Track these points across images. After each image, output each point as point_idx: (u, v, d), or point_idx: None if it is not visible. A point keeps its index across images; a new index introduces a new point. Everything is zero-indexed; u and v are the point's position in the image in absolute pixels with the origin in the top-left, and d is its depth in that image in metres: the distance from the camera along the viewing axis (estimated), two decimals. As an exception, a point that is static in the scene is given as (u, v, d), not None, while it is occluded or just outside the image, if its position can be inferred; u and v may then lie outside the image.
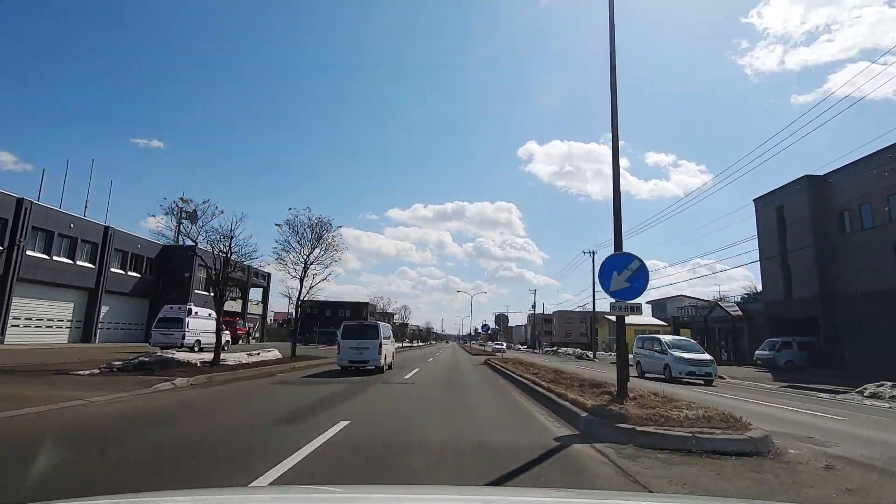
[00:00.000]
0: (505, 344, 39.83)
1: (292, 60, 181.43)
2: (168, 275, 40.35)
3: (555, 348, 59.56)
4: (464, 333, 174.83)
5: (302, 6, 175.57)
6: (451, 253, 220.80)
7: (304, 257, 21.15)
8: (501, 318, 25.59)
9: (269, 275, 56.16)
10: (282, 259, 20.97)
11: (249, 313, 52.73)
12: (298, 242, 20.94)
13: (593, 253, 41.06)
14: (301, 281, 21.33)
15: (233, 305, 48.47)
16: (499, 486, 3.66)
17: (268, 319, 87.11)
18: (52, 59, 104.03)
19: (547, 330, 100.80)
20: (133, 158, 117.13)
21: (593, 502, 2.05)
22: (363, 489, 2.54)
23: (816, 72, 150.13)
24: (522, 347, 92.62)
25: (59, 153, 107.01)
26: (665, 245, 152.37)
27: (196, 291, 42.87)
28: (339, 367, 15.50)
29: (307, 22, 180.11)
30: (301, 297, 21.80)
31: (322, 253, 21.59)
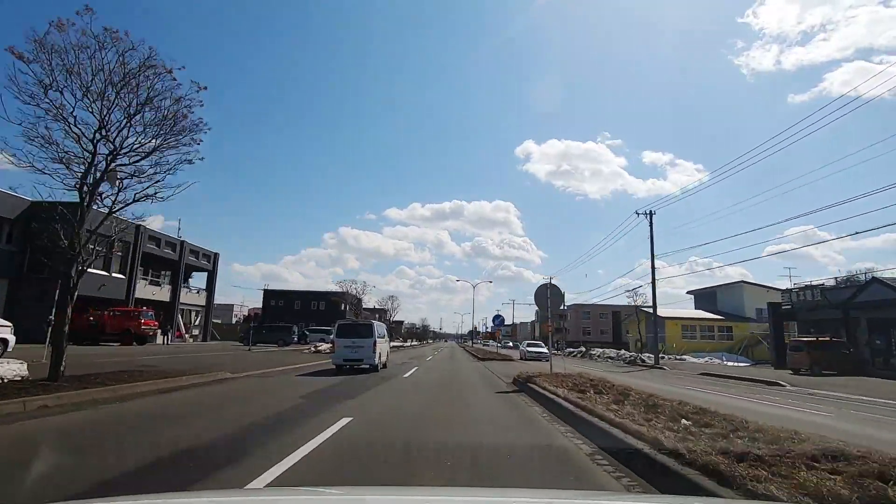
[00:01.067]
0: (545, 347, 25.99)
1: (290, 61, 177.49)
2: (39, 244, 28.04)
3: (582, 350, 47.15)
4: (463, 332, 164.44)
5: (301, 6, 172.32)
6: (449, 252, 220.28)
7: (94, 134, 8.91)
8: (546, 294, 12.79)
9: (215, 255, 43.83)
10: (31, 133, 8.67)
11: (186, 304, 40.39)
12: (62, 92, 8.56)
13: (650, 213, 28.95)
14: (83, 196, 9.02)
15: (155, 293, 36.13)
16: (499, 488, 3.36)
17: (235, 313, 75.03)
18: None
19: (560, 327, 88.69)
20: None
21: (593, 502, 2.05)
22: (362, 490, 2.41)
23: (812, 71, 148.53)
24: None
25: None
26: (661, 241, 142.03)
27: (91, 271, 30.63)
28: (335, 366, 15.26)
29: (304, 21, 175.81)
30: (84, 231, 9.28)
31: (144, 130, 9.37)
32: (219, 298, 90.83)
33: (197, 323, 42.03)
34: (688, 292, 56.74)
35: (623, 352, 33.28)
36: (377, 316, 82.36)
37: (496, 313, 28.27)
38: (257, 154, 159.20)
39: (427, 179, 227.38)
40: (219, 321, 60.49)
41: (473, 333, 77.74)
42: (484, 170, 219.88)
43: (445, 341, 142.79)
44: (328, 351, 28.34)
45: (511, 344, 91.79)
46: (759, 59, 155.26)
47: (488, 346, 73.56)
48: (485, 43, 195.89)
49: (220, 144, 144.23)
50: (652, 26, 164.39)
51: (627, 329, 64.90)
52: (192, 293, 41.94)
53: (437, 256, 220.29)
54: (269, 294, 55.41)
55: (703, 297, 52.60)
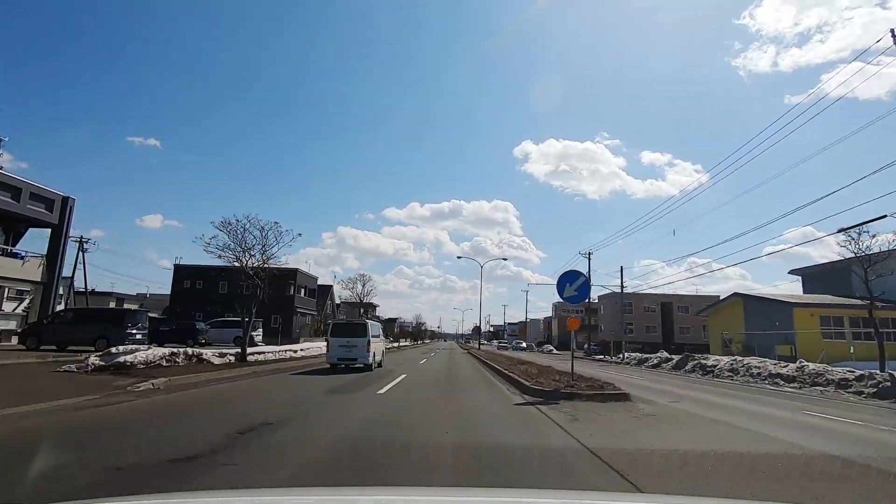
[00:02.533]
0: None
1: (290, 62, 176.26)
2: None
3: (661, 356, 29.57)
4: (464, 332, 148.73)
5: (303, 9, 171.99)
6: (448, 252, 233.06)
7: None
8: None
9: (64, 200, 26.88)
10: None
11: (-11, 277, 23.30)
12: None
13: None
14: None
15: None
16: (499, 487, 3.28)
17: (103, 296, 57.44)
18: (48, 57, 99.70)
19: (586, 323, 71.18)
20: (128, 157, 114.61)
21: (593, 502, 2.05)
22: (361, 490, 2.41)
23: (809, 72, 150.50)
24: (554, 350, 63.00)
25: (54, 151, 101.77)
26: (660, 243, 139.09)
27: None
28: (329, 365, 15.26)
29: (304, 22, 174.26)
30: None
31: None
32: (155, 288, 73.76)
33: (19, 310, 24.89)
34: (791, 271, 39.63)
35: (806, 365, 15.72)
36: (363, 311, 66.10)
37: (570, 270, 9.99)
38: (256, 154, 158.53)
39: (426, 179, 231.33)
40: (154, 315, 43.41)
41: (479, 332, 59.07)
42: (483, 170, 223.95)
43: (445, 341, 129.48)
44: (134, 366, 11.35)
45: (524, 345, 74.58)
46: (756, 60, 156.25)
47: (506, 349, 56.17)
48: (483, 43, 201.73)
49: (219, 146, 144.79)
50: (649, 27, 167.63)
51: (702, 325, 48.05)
52: (15, 262, 24.83)
53: (437, 256, 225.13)
54: (182, 273, 38.22)
55: (823, 278, 35.38)
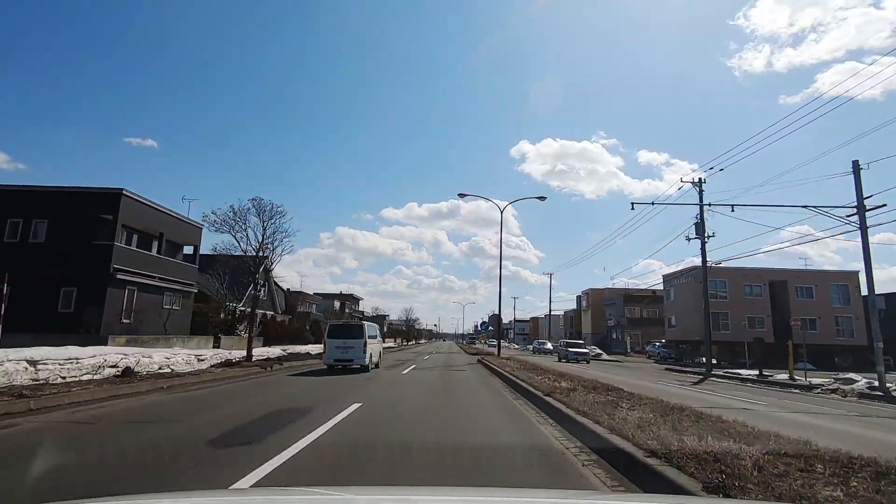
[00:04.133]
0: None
1: (287, 62, 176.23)
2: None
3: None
4: (466, 331, 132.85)
5: (302, 8, 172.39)
6: (446, 252, 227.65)
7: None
8: None
9: None
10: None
11: None
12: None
13: None
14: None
15: None
16: (497, 487, 3.30)
17: None
18: (46, 56, 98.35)
19: (637, 316, 52.20)
20: (126, 157, 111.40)
21: (592, 502, 2.04)
22: (357, 490, 2.38)
23: (804, 73, 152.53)
24: (603, 354, 43.97)
25: (52, 151, 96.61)
26: (658, 243, 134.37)
27: None
28: (326, 366, 15.70)
29: (302, 21, 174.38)
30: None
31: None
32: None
33: None
34: None
35: None
36: (267, 289, 48.60)
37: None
38: (254, 154, 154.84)
39: (424, 179, 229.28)
40: None
41: (499, 324, 38.76)
42: (480, 169, 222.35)
43: (444, 341, 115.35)
44: None
45: (549, 346, 55.88)
46: (751, 60, 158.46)
47: (583, 359, 34.98)
48: (481, 44, 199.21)
49: (218, 145, 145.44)
50: (645, 27, 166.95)
51: (835, 316, 29.47)
52: None
53: (435, 256, 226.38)
54: None
55: None
